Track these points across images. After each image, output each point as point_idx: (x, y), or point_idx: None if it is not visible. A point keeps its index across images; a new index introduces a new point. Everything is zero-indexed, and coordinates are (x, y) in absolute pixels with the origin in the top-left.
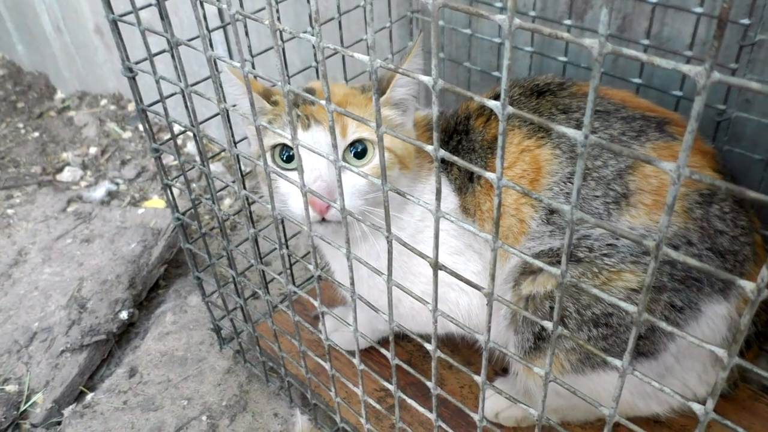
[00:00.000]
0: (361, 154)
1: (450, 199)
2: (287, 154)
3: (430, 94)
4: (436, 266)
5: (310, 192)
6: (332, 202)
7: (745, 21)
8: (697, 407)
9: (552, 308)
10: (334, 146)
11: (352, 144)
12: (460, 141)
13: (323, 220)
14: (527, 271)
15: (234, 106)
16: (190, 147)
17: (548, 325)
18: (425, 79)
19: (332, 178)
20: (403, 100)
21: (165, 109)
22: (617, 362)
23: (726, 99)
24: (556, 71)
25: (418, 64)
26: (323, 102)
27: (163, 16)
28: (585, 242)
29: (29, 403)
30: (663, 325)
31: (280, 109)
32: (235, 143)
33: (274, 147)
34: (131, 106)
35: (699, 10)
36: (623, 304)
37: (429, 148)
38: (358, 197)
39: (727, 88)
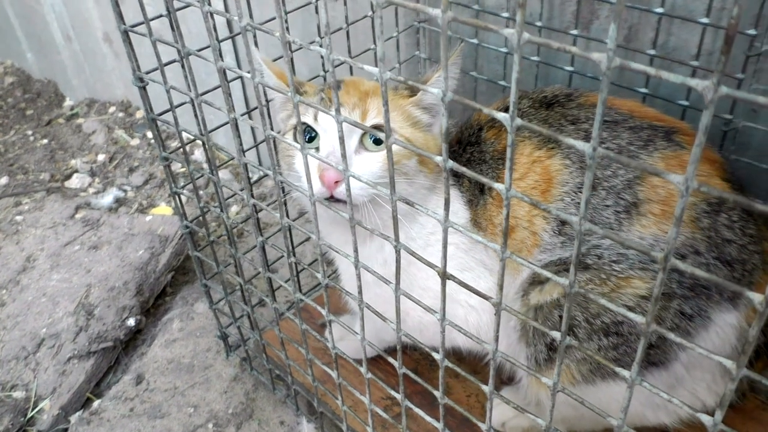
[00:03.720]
0: (379, 141)
1: (461, 214)
2: (308, 135)
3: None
4: (444, 276)
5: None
6: (340, 181)
7: (752, 31)
8: (705, 418)
9: (561, 317)
10: (344, 156)
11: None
12: (472, 153)
13: (332, 197)
14: (536, 282)
15: (242, 115)
16: (198, 155)
17: (557, 335)
18: (434, 91)
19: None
20: (434, 104)
21: (175, 118)
22: (625, 373)
23: (732, 109)
24: (563, 80)
25: (453, 73)
26: (333, 113)
27: (174, 26)
28: (595, 251)
29: (36, 410)
30: (671, 336)
31: (308, 96)
32: (244, 152)
33: (295, 126)
34: (139, 114)
35: (705, 20)
36: (632, 315)
37: (438, 159)
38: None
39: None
